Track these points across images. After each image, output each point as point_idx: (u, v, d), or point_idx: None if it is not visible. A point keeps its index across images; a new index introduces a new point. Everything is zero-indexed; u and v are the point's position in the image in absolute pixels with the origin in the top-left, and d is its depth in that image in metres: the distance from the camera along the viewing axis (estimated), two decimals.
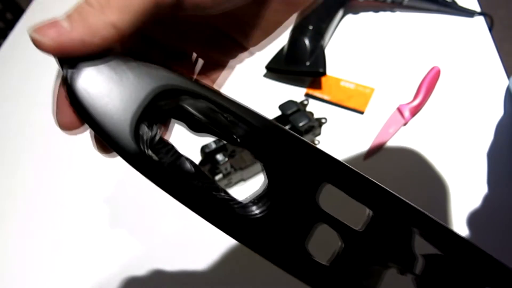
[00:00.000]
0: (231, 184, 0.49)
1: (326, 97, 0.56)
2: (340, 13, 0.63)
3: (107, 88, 0.17)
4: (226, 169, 0.46)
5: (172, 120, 0.21)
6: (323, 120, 0.50)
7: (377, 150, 0.51)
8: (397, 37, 0.63)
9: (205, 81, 0.24)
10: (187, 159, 0.19)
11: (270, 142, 0.20)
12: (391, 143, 0.51)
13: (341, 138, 0.53)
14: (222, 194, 0.19)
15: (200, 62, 0.24)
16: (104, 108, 0.17)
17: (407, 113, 0.52)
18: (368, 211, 0.19)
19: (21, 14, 0.78)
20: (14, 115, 0.64)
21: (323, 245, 0.19)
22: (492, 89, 0.54)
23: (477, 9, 0.63)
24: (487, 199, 0.45)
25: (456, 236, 0.19)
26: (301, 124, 0.47)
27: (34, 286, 0.45)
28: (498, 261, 0.18)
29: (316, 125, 0.49)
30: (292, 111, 0.48)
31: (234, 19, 0.21)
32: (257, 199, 0.19)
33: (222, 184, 0.47)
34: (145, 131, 0.18)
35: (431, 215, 0.20)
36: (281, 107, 0.49)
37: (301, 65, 0.57)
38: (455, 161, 0.49)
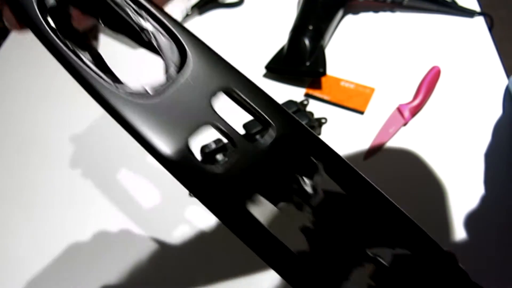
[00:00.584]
0: None
1: (326, 97, 0.56)
2: (340, 13, 0.63)
3: None
4: None
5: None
6: (323, 120, 0.50)
7: (377, 150, 0.51)
8: (397, 37, 0.63)
9: None
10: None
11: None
12: (391, 143, 0.51)
13: (341, 138, 0.53)
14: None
15: None
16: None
17: (407, 113, 0.52)
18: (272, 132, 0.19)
19: None
20: (14, 115, 0.64)
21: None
22: (492, 89, 0.54)
23: (477, 9, 0.63)
24: (485, 199, 0.45)
25: (357, 175, 0.19)
26: None
27: (34, 286, 0.46)
28: (403, 212, 0.19)
29: (316, 125, 0.49)
30: (292, 111, 0.48)
31: None
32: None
33: None
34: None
35: (335, 151, 0.19)
36: None
37: (301, 65, 0.57)
38: (454, 161, 0.49)
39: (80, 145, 0.56)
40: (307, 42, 0.58)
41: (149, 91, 0.19)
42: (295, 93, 0.58)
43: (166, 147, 0.18)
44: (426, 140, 0.51)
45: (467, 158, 0.49)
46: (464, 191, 0.46)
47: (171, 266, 0.45)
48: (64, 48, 0.19)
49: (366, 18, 0.66)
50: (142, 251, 0.46)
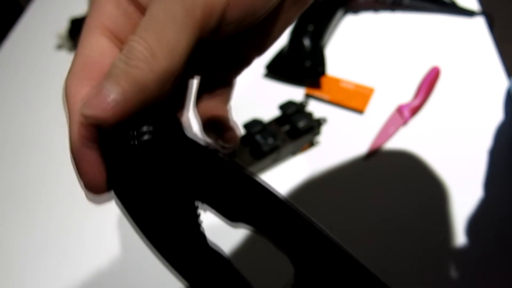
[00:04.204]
0: None
1: (326, 97, 0.56)
2: (340, 13, 0.63)
3: (160, 175, 0.16)
4: None
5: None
6: (323, 120, 0.50)
7: (376, 150, 0.51)
8: (397, 37, 0.63)
9: (218, 100, 0.23)
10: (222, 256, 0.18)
11: (306, 250, 0.17)
12: (391, 143, 0.51)
13: (341, 138, 0.53)
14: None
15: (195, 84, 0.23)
16: (156, 206, 0.16)
17: (407, 113, 0.52)
18: None
19: (21, 14, 0.78)
20: (14, 115, 0.64)
21: None
22: (492, 89, 0.54)
23: (477, 9, 0.63)
24: (485, 200, 0.45)
25: None
26: (301, 125, 0.47)
27: (34, 286, 0.46)
28: None
29: (316, 125, 0.49)
30: (292, 111, 0.48)
31: (252, 33, 0.20)
32: None
33: None
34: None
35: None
36: (281, 107, 0.49)
37: (301, 65, 0.57)
38: (454, 162, 0.49)
39: None
40: (307, 42, 0.58)
41: None
42: (295, 93, 0.58)
43: None
44: (426, 140, 0.51)
45: (467, 158, 0.49)
46: (464, 191, 0.46)
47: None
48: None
49: (366, 18, 0.66)
50: (141, 251, 0.46)
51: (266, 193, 0.18)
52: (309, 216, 0.17)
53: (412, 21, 0.64)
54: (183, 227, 0.17)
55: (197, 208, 0.18)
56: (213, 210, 0.18)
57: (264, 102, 0.56)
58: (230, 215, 0.18)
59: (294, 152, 0.51)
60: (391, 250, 0.43)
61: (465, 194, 0.46)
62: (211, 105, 0.23)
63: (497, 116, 0.52)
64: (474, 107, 0.53)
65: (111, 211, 0.50)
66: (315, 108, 0.53)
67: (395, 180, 0.48)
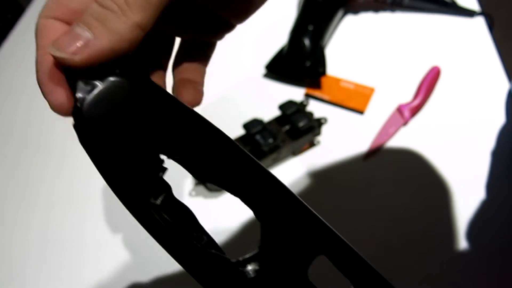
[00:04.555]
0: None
1: (326, 97, 0.56)
2: (340, 13, 0.63)
3: (118, 115, 0.16)
4: None
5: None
6: (323, 120, 0.50)
7: (377, 150, 0.51)
8: (397, 37, 0.63)
9: (195, 63, 0.23)
10: (187, 209, 0.18)
11: (274, 204, 0.18)
12: (391, 143, 0.51)
13: (341, 138, 0.53)
14: (214, 251, 0.18)
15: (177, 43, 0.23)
16: (110, 140, 0.16)
17: (407, 113, 0.52)
18: None
19: (21, 14, 0.78)
20: (14, 115, 0.64)
21: None
22: (492, 89, 0.54)
23: (477, 9, 0.63)
24: (486, 202, 0.45)
25: None
26: (301, 124, 0.47)
27: (34, 285, 0.46)
28: None
29: (316, 125, 0.49)
30: (292, 111, 0.48)
31: None
32: (249, 260, 0.18)
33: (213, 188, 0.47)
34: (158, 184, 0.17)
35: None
36: (281, 107, 0.49)
37: (301, 65, 0.57)
38: (454, 162, 0.49)
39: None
40: (307, 42, 0.58)
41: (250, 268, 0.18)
42: (295, 93, 0.58)
43: None
44: (426, 140, 0.51)
45: (467, 157, 0.49)
46: (465, 192, 0.46)
47: (172, 266, 0.45)
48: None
49: (366, 18, 0.66)
50: (143, 251, 0.46)
51: (235, 151, 0.18)
52: (274, 175, 0.18)
53: (412, 21, 0.64)
54: (143, 174, 0.17)
55: (161, 161, 0.18)
56: (182, 167, 0.18)
57: (264, 102, 0.56)
58: (199, 175, 0.18)
59: (294, 152, 0.51)
60: (391, 250, 0.43)
61: (466, 195, 0.46)
62: (188, 67, 0.23)
63: (497, 116, 0.52)
64: (474, 107, 0.53)
65: (111, 211, 0.50)
66: (315, 108, 0.53)
67: (396, 180, 0.48)
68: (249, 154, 0.18)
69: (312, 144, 0.52)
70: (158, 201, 0.18)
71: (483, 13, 0.62)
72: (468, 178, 0.47)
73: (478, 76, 0.56)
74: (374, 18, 0.66)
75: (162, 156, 0.18)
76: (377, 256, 0.43)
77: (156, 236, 0.17)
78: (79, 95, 0.16)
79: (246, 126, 0.47)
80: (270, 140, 0.46)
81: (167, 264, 0.45)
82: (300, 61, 0.57)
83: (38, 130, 0.60)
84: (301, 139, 0.49)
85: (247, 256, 0.18)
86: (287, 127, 0.49)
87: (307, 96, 0.57)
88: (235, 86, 0.60)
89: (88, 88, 0.16)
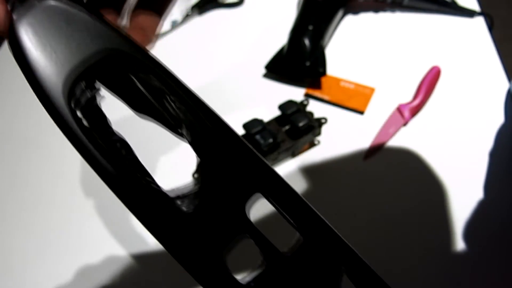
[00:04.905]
0: None
1: (326, 97, 0.56)
2: (340, 13, 0.63)
3: (52, 35, 0.16)
4: None
5: (111, 94, 0.19)
6: (323, 120, 0.50)
7: (376, 150, 0.51)
8: (397, 37, 0.63)
9: (151, 11, 0.23)
10: (121, 138, 0.18)
11: (212, 141, 0.18)
12: (391, 143, 0.51)
13: (341, 138, 0.53)
14: (149, 179, 0.17)
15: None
16: (42, 57, 0.16)
17: (407, 113, 0.52)
18: (298, 236, 0.18)
19: None
20: (14, 115, 0.64)
21: (247, 259, 0.18)
22: (492, 90, 0.54)
23: (477, 9, 0.63)
24: (485, 202, 0.45)
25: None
26: (301, 124, 0.47)
27: (34, 285, 0.46)
28: None
29: (316, 125, 0.49)
30: (292, 111, 0.48)
31: None
32: (186, 195, 0.17)
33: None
34: (82, 91, 0.17)
35: (362, 257, 0.18)
36: (281, 107, 0.49)
37: (301, 65, 0.57)
38: (454, 162, 0.49)
39: None
40: (307, 42, 0.58)
41: (183, 200, 0.17)
42: (295, 93, 0.58)
43: (201, 263, 0.17)
44: (426, 140, 0.51)
45: (467, 158, 0.49)
46: (464, 192, 0.46)
47: (172, 266, 0.45)
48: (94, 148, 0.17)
49: (366, 18, 0.66)
50: (141, 251, 0.46)
51: (172, 81, 0.17)
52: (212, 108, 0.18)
53: (412, 21, 0.64)
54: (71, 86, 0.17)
55: (96, 88, 0.18)
56: (118, 97, 0.18)
57: (264, 102, 0.56)
58: (135, 106, 0.18)
59: (294, 152, 0.51)
60: (391, 250, 0.43)
61: (465, 195, 0.46)
62: (141, 13, 0.23)
63: (497, 116, 0.52)
64: (474, 107, 0.53)
65: (111, 211, 0.50)
66: (315, 108, 0.53)
67: (396, 180, 0.48)
68: (194, 92, 0.18)
69: (312, 144, 0.52)
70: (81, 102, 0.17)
71: (483, 13, 0.62)
72: (469, 178, 0.47)
73: (478, 76, 0.56)
74: (374, 18, 0.66)
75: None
76: (377, 256, 0.43)
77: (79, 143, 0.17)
78: (14, 12, 0.16)
79: (246, 126, 0.47)
80: (270, 140, 0.46)
81: (167, 265, 0.45)
82: (300, 61, 0.57)
83: (38, 130, 0.60)
84: (301, 139, 0.49)
85: (185, 191, 0.18)
86: (287, 127, 0.49)
87: (307, 96, 0.57)
88: (235, 86, 0.60)
89: (25, 6, 0.16)
